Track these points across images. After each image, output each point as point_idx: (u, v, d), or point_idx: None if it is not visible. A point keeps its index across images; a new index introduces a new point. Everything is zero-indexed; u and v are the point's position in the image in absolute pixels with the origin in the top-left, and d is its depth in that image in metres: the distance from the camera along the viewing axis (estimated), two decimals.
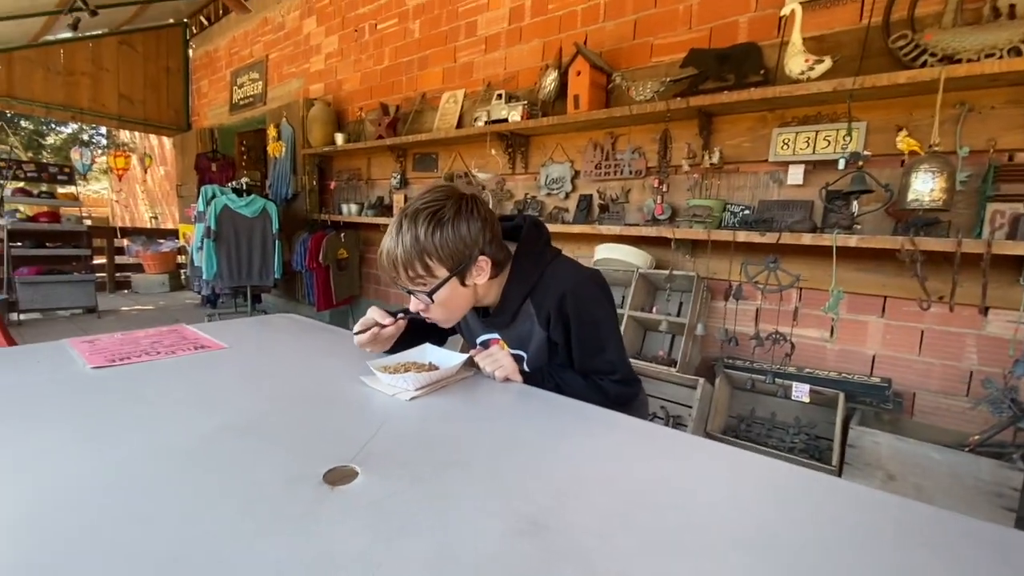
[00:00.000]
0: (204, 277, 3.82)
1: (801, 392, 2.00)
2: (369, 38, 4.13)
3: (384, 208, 3.96)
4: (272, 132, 4.72)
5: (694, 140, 2.35)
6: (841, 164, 1.88)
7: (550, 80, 2.72)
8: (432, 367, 0.92)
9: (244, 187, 4.04)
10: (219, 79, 6.15)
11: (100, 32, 6.01)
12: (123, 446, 0.62)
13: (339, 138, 4.09)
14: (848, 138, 1.92)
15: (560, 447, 0.69)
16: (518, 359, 1.03)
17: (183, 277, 6.67)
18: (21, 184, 4.80)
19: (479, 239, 0.90)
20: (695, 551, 0.47)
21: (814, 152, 2.02)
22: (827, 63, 1.86)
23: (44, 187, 5.00)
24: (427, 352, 0.99)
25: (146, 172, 7.99)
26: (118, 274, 6.42)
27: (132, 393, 0.79)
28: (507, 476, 0.59)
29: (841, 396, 1.90)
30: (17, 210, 4.58)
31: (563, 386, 0.95)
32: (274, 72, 5.21)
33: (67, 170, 5.04)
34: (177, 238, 6.58)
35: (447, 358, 0.96)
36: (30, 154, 7.50)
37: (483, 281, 0.94)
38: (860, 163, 1.80)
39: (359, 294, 4.39)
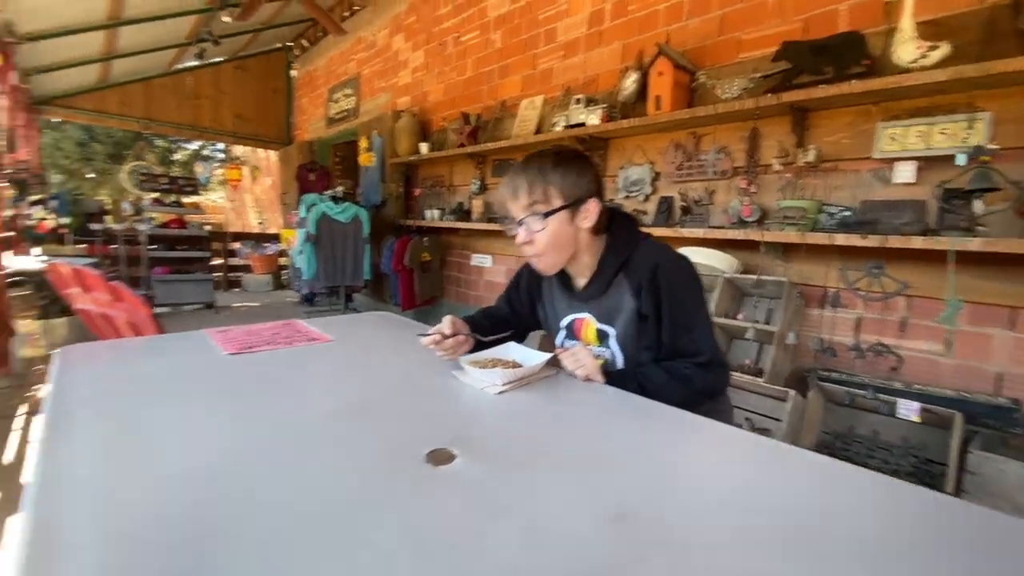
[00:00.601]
0: (304, 277, 4.19)
1: (909, 410, 1.82)
2: (452, 50, 4.32)
3: (463, 213, 4.11)
4: (363, 143, 5.07)
5: (786, 138, 2.22)
6: (960, 159, 1.70)
7: (630, 82, 2.70)
8: (516, 364, 0.97)
9: (340, 195, 4.37)
10: (317, 96, 6.70)
11: (220, 59, 6.78)
12: (261, 422, 0.72)
13: (423, 147, 4.31)
14: (969, 131, 1.73)
15: (644, 447, 0.70)
16: (605, 335, 1.05)
17: (284, 277, 7.32)
18: (156, 195, 5.54)
19: (592, 186, 1.00)
20: (787, 555, 0.47)
21: (927, 147, 1.84)
22: (944, 49, 1.70)
23: (173, 197, 5.72)
24: (511, 350, 1.04)
25: (255, 182, 8.88)
26: (230, 274, 7.18)
27: (262, 377, 0.91)
28: (593, 469, 0.62)
29: (958, 417, 1.71)
30: (152, 217, 5.28)
31: (646, 383, 0.95)
32: (366, 87, 5.59)
33: (192, 182, 5.73)
34: (279, 242, 7.23)
35: (530, 356, 1.00)
36: (162, 168, 8.67)
37: (587, 225, 0.99)
38: (984, 158, 1.62)
39: (440, 295, 4.59)
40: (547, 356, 0.98)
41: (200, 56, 5.25)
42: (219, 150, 10.69)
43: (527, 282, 1.21)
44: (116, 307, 1.51)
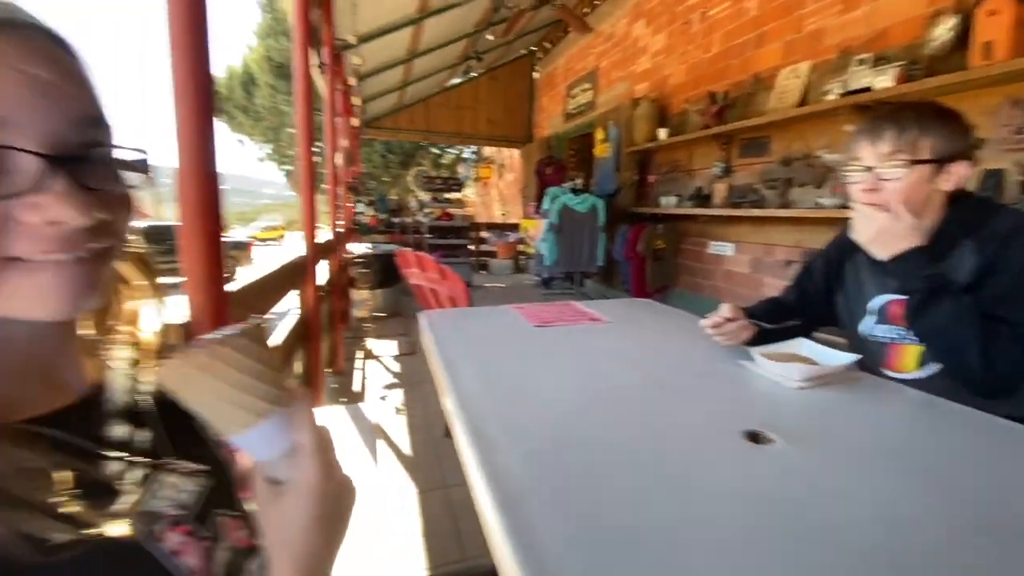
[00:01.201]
0: (545, 263, 4.63)
1: None
2: (698, 28, 4.13)
3: (702, 199, 3.93)
4: (599, 135, 5.27)
5: None
6: None
7: (944, 29, 2.19)
8: (811, 362, 0.94)
9: (579, 186, 4.67)
10: (556, 94, 7.19)
11: (477, 73, 7.84)
12: (585, 380, 0.89)
13: (662, 133, 4.26)
14: None
15: (993, 464, 0.63)
16: None
17: (521, 262, 8.16)
18: (432, 193, 6.79)
19: (966, 147, 0.89)
20: None
21: None
22: None
23: (443, 195, 6.93)
24: (804, 346, 1.01)
25: (500, 178, 10.07)
26: (480, 258, 8.34)
27: (570, 347, 1.11)
28: (935, 475, 0.59)
29: None
30: (430, 212, 6.51)
31: (938, 294, 0.83)
32: (603, 79, 5.76)
33: (457, 181, 6.83)
34: (519, 231, 8.07)
35: (826, 355, 0.96)
36: (435, 171, 10.61)
37: (947, 188, 0.89)
38: None
39: (672, 284, 4.51)
40: (851, 357, 0.93)
41: (465, 73, 6.18)
42: (472, 152, 12.48)
43: (823, 267, 1.14)
44: (442, 283, 1.98)
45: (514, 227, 8.55)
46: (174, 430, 0.42)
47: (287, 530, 0.35)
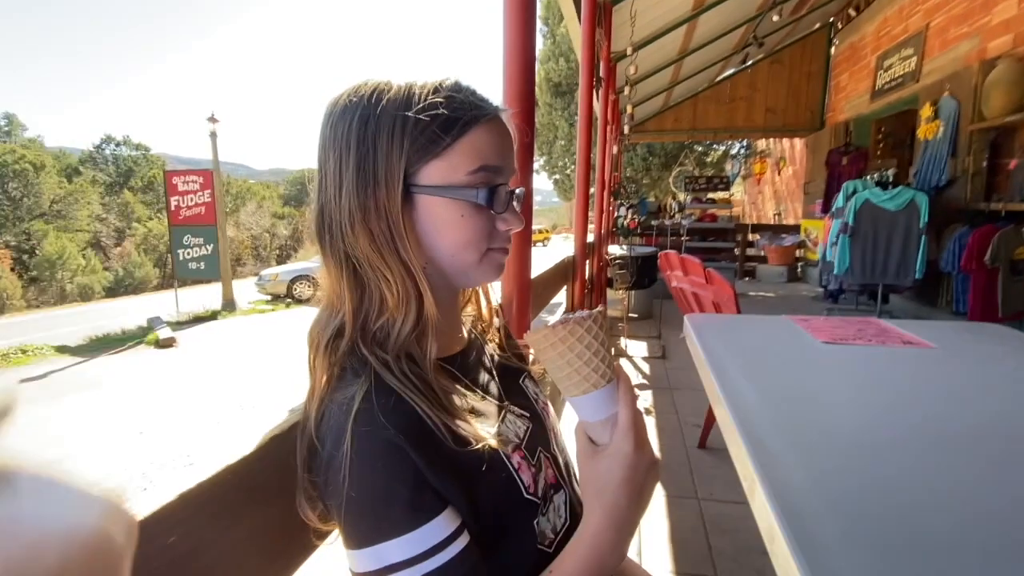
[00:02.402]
0: (835, 272, 3.91)
1: None
2: None
3: None
4: (925, 111, 4.15)
5: None
6: None
7: None
8: None
9: (890, 178, 3.78)
10: (861, 68, 5.95)
11: (754, 60, 7.10)
12: (904, 416, 0.75)
13: None
14: None
15: None
16: None
17: (799, 270, 7.06)
18: (696, 194, 6.50)
19: None
20: None
21: None
22: None
23: (708, 195, 6.55)
24: None
25: (779, 173, 8.90)
26: (746, 264, 7.56)
27: (872, 370, 0.94)
28: None
29: None
30: (692, 213, 6.25)
31: None
32: (934, 41, 4.51)
33: (724, 180, 6.36)
34: (799, 233, 7.00)
35: None
36: (699, 170, 10.14)
37: None
38: None
39: None
40: None
41: (742, 62, 5.68)
42: (743, 147, 11.38)
43: None
44: (706, 288, 1.93)
45: (792, 229, 7.46)
46: (504, 384, 0.56)
47: (599, 484, 0.43)
